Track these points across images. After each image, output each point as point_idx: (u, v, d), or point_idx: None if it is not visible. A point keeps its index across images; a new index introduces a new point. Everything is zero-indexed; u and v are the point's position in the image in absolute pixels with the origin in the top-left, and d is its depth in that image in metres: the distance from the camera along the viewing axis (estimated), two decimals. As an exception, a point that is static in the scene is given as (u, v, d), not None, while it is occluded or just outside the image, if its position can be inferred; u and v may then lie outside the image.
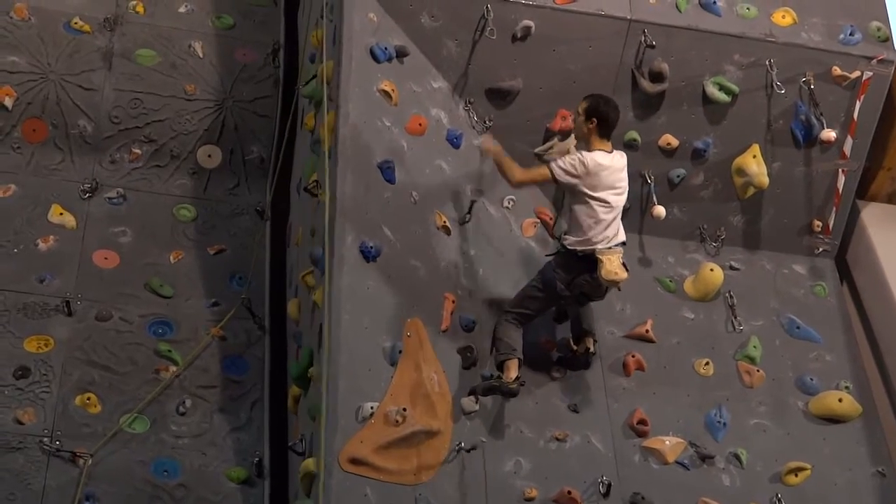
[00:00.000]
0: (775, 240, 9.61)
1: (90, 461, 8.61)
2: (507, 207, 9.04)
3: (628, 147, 9.20)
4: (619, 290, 8.29)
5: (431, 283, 8.27)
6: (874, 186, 9.88)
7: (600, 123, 7.98)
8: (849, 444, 8.73)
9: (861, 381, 9.07)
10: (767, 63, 9.23)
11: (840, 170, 9.46)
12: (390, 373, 7.77)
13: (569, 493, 7.95)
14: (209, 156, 10.51)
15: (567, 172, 7.95)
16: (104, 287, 9.56)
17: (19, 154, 10.20)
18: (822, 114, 9.30)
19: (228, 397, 9.18)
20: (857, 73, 9.28)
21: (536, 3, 8.97)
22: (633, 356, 8.76)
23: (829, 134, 9.23)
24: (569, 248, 8.05)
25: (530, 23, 8.95)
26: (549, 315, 8.70)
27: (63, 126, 10.29)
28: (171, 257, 9.92)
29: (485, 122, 9.06)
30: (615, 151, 8.11)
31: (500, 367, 8.08)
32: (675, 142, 9.33)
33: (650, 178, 9.32)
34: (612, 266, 7.93)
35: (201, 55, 10.78)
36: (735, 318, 9.17)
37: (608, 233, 7.99)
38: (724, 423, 8.61)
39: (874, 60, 9.29)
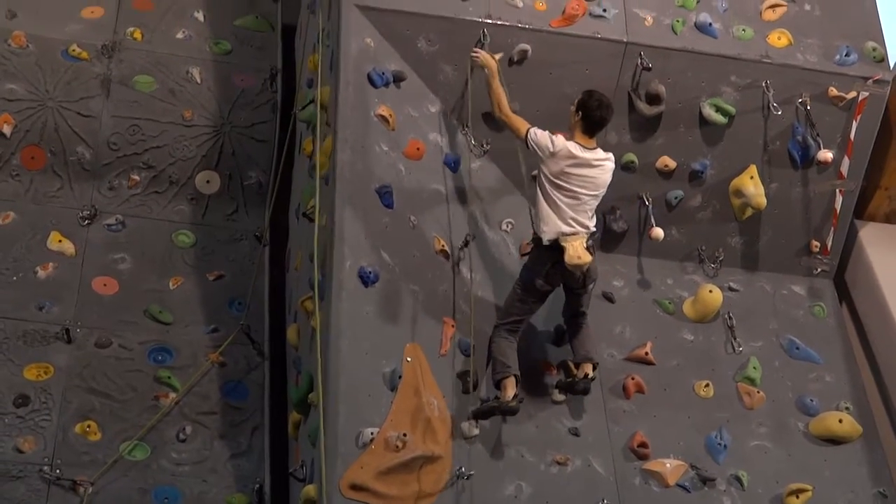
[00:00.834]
0: (774, 261, 9.62)
1: (91, 489, 8.61)
2: (506, 230, 9.04)
3: (626, 169, 9.23)
4: (588, 275, 8.13)
5: (430, 308, 8.27)
6: (871, 206, 9.90)
7: (584, 118, 8.04)
8: (850, 465, 8.73)
9: (861, 401, 9.07)
10: (764, 84, 9.25)
11: (837, 190, 9.47)
12: (390, 398, 7.77)
13: (570, 516, 7.95)
14: (208, 181, 10.52)
15: (536, 143, 8.03)
16: (104, 314, 9.56)
17: (18, 181, 10.22)
18: (818, 134, 9.31)
19: (229, 423, 9.17)
20: (853, 94, 9.30)
21: (532, 27, 8.99)
22: (632, 378, 8.76)
23: (826, 154, 9.24)
24: (534, 238, 8.09)
25: (527, 46, 8.97)
26: (547, 338, 8.71)
27: (62, 153, 10.31)
28: (171, 283, 9.93)
29: (482, 146, 9.07)
30: (600, 151, 8.09)
31: (498, 385, 8.09)
32: (672, 164, 9.34)
33: (648, 201, 9.33)
34: (575, 251, 7.92)
35: (199, 81, 10.80)
36: (734, 339, 9.17)
37: (571, 221, 7.96)
38: (725, 445, 8.60)
39: (870, 80, 9.31)
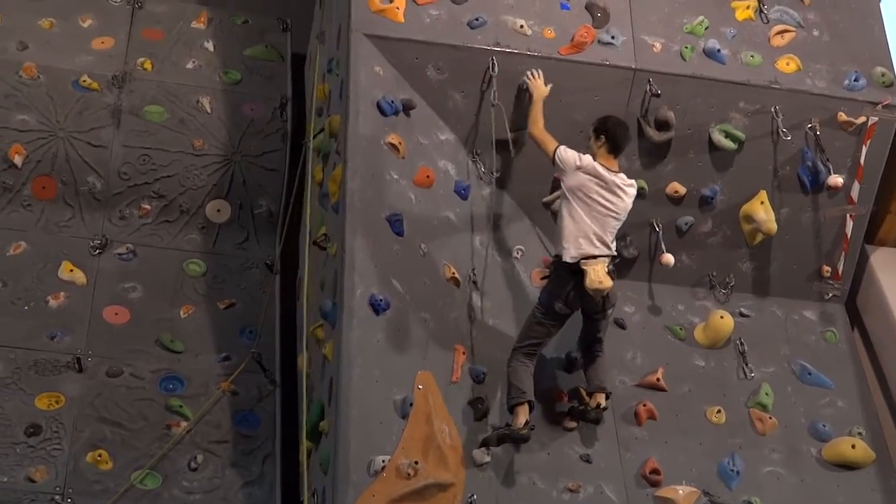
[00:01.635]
0: (785, 286, 9.61)
1: (102, 518, 8.61)
2: (516, 258, 9.04)
3: (636, 196, 9.20)
4: (608, 300, 8.15)
5: (441, 335, 8.27)
6: (882, 231, 9.89)
7: (608, 140, 8.16)
8: (863, 490, 8.69)
9: (874, 426, 9.04)
10: (773, 110, 9.26)
11: (848, 215, 9.47)
12: (401, 426, 7.76)
13: (583, 544, 7.93)
14: (218, 210, 10.55)
15: (562, 159, 8.13)
16: (115, 343, 9.57)
17: (29, 211, 10.25)
18: (828, 159, 9.32)
19: (240, 452, 9.16)
20: (862, 119, 9.31)
21: (541, 54, 9.02)
22: (644, 405, 8.74)
23: (837, 179, 9.25)
24: (554, 260, 8.10)
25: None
26: (559, 364, 8.70)
27: (72, 183, 10.34)
28: (182, 312, 9.94)
29: (493, 173, 9.08)
30: (623, 175, 8.20)
31: (511, 410, 8.09)
32: (682, 189, 9.35)
33: (658, 227, 9.33)
34: (597, 275, 7.95)
35: (209, 110, 10.84)
36: (746, 365, 9.15)
37: (593, 238, 8.00)
38: (738, 472, 8.57)
39: (879, 105, 9.32)
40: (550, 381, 8.59)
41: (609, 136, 8.18)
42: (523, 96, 8.91)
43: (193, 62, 11.20)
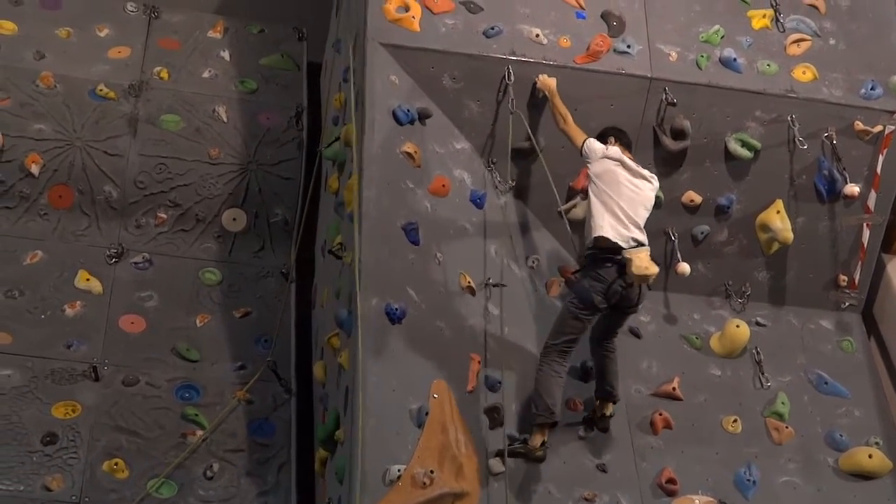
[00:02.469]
0: (801, 295, 9.58)
1: (118, 527, 8.63)
2: (532, 267, 9.04)
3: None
4: (643, 293, 8.12)
5: (457, 344, 8.26)
6: (899, 240, 9.87)
7: (617, 139, 8.27)
8: (880, 500, 8.66)
9: (891, 436, 9.01)
10: (789, 119, 9.25)
11: (864, 224, 9.45)
12: (417, 435, 7.75)
13: (598, 553, 7.91)
14: (234, 219, 10.57)
15: (590, 147, 8.17)
16: (131, 352, 9.59)
17: (46, 220, 10.28)
18: (844, 168, 9.30)
19: (255, 461, 9.17)
20: (879, 128, 9.30)
21: (557, 63, 9.02)
22: (660, 414, 8.72)
23: (853, 188, 9.23)
24: (589, 250, 8.05)
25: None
26: (575, 374, 8.68)
27: (89, 192, 10.37)
28: (198, 321, 9.96)
29: (508, 182, 9.07)
30: (645, 171, 8.25)
31: (533, 425, 8.04)
32: (698, 198, 9.34)
33: (674, 236, 9.32)
34: (642, 262, 7.89)
35: (225, 119, 10.87)
36: (762, 374, 9.13)
37: (627, 226, 7.98)
38: (754, 481, 8.55)
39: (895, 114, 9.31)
40: (567, 390, 8.56)
41: (615, 136, 8.28)
42: (537, 93, 8.92)
43: (209, 71, 11.23)
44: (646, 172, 8.21)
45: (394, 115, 8.72)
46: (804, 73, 9.40)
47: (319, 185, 10.10)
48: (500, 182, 9.07)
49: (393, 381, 7.86)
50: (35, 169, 10.31)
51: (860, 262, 9.52)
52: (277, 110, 11.07)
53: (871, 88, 9.40)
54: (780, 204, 9.36)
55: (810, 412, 9.02)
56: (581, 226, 8.44)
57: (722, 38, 9.41)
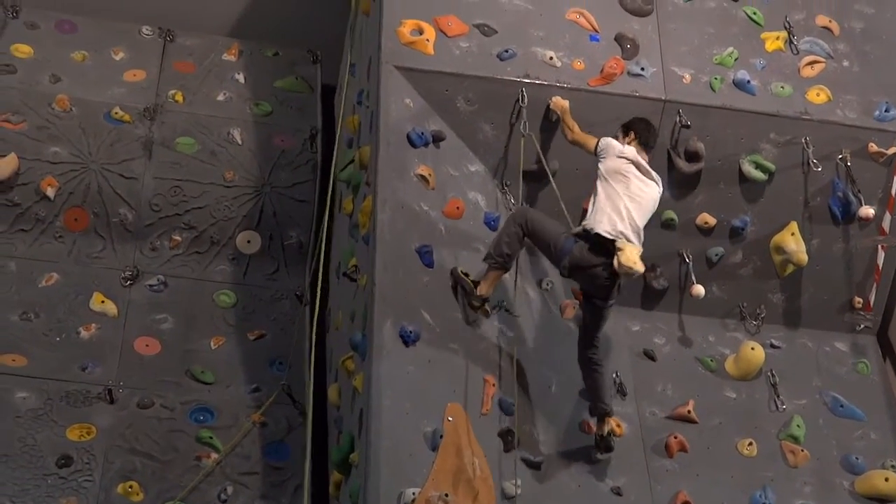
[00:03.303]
0: (816, 317, 9.56)
1: (133, 550, 8.63)
2: (546, 289, 9.04)
3: (666, 227, 9.23)
4: (618, 288, 8.14)
5: (471, 367, 8.25)
6: (914, 262, 9.84)
7: (637, 136, 8.25)
8: (896, 523, 8.63)
9: (907, 459, 8.98)
10: (803, 141, 9.25)
11: (879, 246, 9.43)
12: (431, 458, 7.74)
13: (613, 577, 7.88)
14: (248, 241, 10.59)
15: (608, 143, 8.21)
16: (146, 374, 9.61)
17: (61, 243, 10.31)
18: (859, 190, 9.29)
19: (270, 484, 9.16)
20: (893, 149, 9.29)
21: (571, 86, 9.03)
22: (675, 437, 8.70)
23: (868, 210, 9.21)
24: (587, 229, 8.05)
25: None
26: (588, 395, 8.65)
27: (104, 214, 10.40)
28: (212, 343, 9.97)
29: (522, 204, 9.07)
30: (655, 175, 8.26)
31: (486, 262, 8.24)
32: (712, 220, 9.33)
33: (688, 258, 9.31)
34: (632, 255, 7.89)
35: (240, 142, 10.90)
36: (777, 396, 9.10)
37: (626, 224, 7.99)
38: (770, 504, 8.54)
39: (910, 136, 9.32)
40: (579, 412, 8.56)
41: (638, 132, 8.27)
42: (551, 115, 8.94)
43: (224, 94, 11.27)
44: (654, 175, 8.23)
45: (408, 137, 8.74)
46: (818, 95, 9.40)
47: (334, 208, 10.12)
48: (513, 204, 9.07)
49: (407, 403, 7.85)
50: (51, 192, 10.35)
51: (875, 284, 9.50)
52: (292, 133, 11.10)
53: (886, 110, 9.40)
54: (794, 226, 9.35)
55: (826, 435, 8.99)
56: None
57: (736, 60, 9.42)
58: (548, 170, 8.79)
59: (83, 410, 9.27)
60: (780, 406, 9.07)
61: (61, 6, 11.72)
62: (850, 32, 9.77)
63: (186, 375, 9.69)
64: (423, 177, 8.68)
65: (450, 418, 7.91)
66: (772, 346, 9.38)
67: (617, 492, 8.30)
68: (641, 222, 8.13)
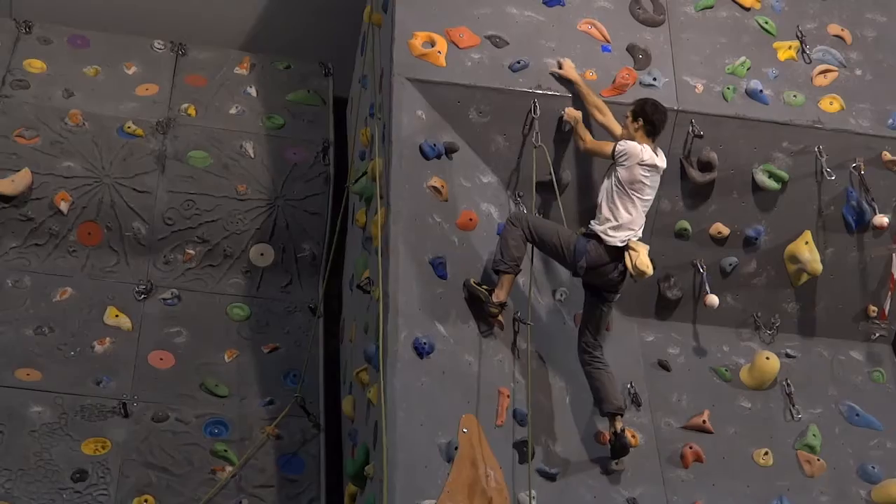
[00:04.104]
0: (831, 326, 9.54)
1: (149, 564, 8.63)
2: (560, 300, 9.03)
3: (679, 237, 9.22)
4: (622, 283, 8.29)
5: (486, 378, 8.25)
6: (929, 270, 9.82)
7: (646, 123, 8.29)
8: (913, 533, 8.60)
9: (924, 468, 8.95)
10: (816, 150, 9.23)
11: (893, 254, 9.40)
12: (447, 469, 7.73)
13: (630, 588, 7.86)
14: (262, 254, 10.60)
15: (626, 150, 8.23)
16: (160, 388, 9.61)
17: (75, 257, 10.33)
18: (873, 199, 9.27)
19: (285, 496, 9.16)
20: (907, 157, 9.28)
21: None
22: (690, 447, 8.68)
23: (882, 219, 9.19)
24: (599, 234, 8.17)
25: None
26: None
27: (118, 229, 10.42)
28: (226, 356, 9.98)
29: (535, 215, 9.07)
30: (659, 151, 8.35)
31: (497, 273, 8.29)
32: (726, 230, 9.32)
33: (702, 268, 9.29)
34: (644, 260, 8.09)
35: (252, 155, 10.92)
36: (793, 406, 9.08)
37: (635, 228, 8.17)
38: (786, 514, 8.52)
39: (923, 144, 9.30)
40: (594, 423, 8.55)
41: (646, 119, 8.30)
42: (563, 126, 8.95)
43: (236, 107, 11.30)
44: (660, 159, 8.31)
45: (420, 149, 8.74)
46: (831, 104, 9.39)
47: (347, 220, 10.13)
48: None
49: (422, 415, 7.85)
50: (64, 206, 10.37)
51: (889, 293, 9.47)
52: (304, 145, 11.12)
53: (899, 119, 9.40)
54: (808, 235, 9.33)
55: (842, 444, 8.96)
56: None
57: (748, 69, 9.42)
58: (555, 183, 8.78)
59: (98, 424, 9.28)
60: (795, 415, 9.05)
61: (74, 21, 11.76)
62: (863, 41, 9.76)
63: (201, 389, 9.69)
64: (435, 188, 8.68)
65: (464, 430, 7.91)
66: (787, 355, 9.36)
67: (632, 502, 8.29)
68: (644, 217, 8.31)
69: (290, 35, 12.23)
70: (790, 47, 9.61)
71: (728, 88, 9.28)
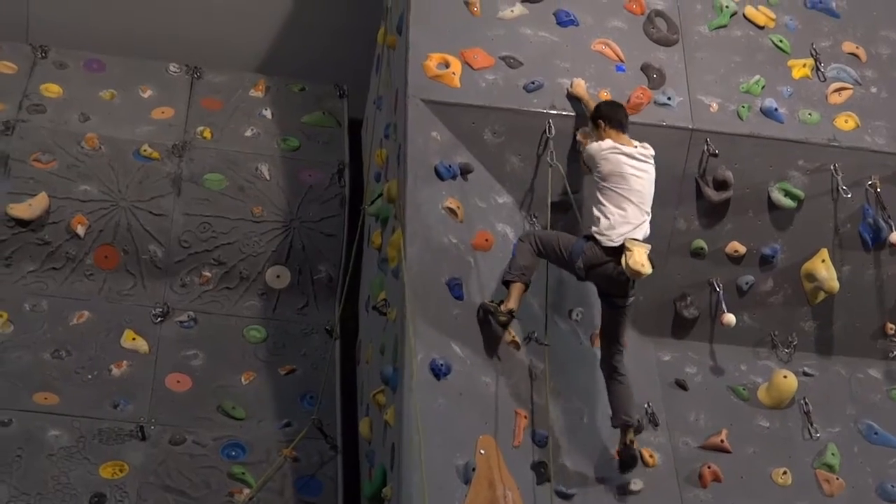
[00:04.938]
0: (848, 344, 9.51)
1: (167, 587, 8.62)
2: (576, 320, 9.02)
3: (695, 255, 9.21)
4: (633, 285, 8.21)
5: (503, 399, 8.24)
6: (946, 287, 9.78)
7: (607, 121, 8.36)
8: (933, 552, 8.56)
9: (944, 487, 8.90)
10: (832, 167, 9.22)
11: (911, 272, 9.39)
12: (464, 491, 7.72)
13: None
14: (278, 276, 10.62)
15: (590, 153, 8.31)
16: (177, 411, 9.62)
17: (92, 281, 10.36)
18: (889, 216, 9.24)
19: (302, 519, 9.16)
20: (923, 175, 9.26)
21: (598, 116, 9.03)
22: (709, 467, 8.64)
23: (899, 236, 9.18)
24: (594, 235, 8.16)
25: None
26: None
27: (134, 252, 10.45)
28: (243, 379, 9.99)
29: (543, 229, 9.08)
30: (640, 145, 8.36)
31: (507, 285, 8.27)
32: (742, 249, 9.30)
33: (719, 286, 9.28)
34: (640, 258, 8.00)
35: (268, 177, 10.95)
36: (811, 425, 9.04)
37: (630, 226, 8.10)
38: (806, 534, 8.48)
39: (939, 161, 9.28)
40: (612, 443, 8.52)
41: (605, 116, 8.36)
42: (578, 146, 8.96)
43: (252, 130, 11.33)
44: (640, 153, 8.29)
45: (435, 170, 8.75)
46: (846, 122, 9.38)
47: (363, 242, 10.14)
48: (542, 236, 9.07)
49: (439, 437, 7.84)
50: (81, 230, 10.41)
51: (907, 311, 9.46)
52: (319, 167, 11.14)
53: (915, 136, 9.39)
54: (825, 253, 9.30)
55: (861, 463, 8.92)
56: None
57: (763, 88, 9.42)
58: (571, 199, 8.78)
59: (115, 448, 9.28)
60: (814, 434, 9.01)
61: (89, 45, 11.83)
62: (878, 58, 9.76)
63: (218, 411, 9.70)
64: (451, 209, 8.69)
65: (482, 451, 7.90)
66: (804, 373, 9.33)
67: (651, 523, 8.28)
68: (647, 207, 8.24)
69: (304, 57, 12.28)
70: (805, 65, 9.61)
71: (743, 107, 9.28)
